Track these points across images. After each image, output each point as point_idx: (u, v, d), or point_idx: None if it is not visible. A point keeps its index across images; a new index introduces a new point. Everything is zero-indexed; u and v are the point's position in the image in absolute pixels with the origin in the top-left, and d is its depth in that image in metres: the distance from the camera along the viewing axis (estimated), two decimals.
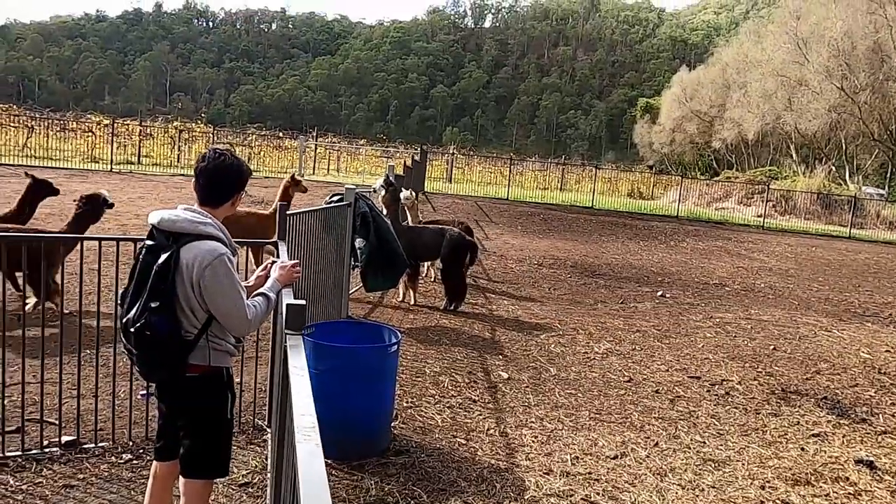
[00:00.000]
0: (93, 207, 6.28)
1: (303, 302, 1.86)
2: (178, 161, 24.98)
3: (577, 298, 10.03)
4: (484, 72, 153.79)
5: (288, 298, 2.37)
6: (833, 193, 27.28)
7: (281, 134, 29.95)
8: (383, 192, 8.24)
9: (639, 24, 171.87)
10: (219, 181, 2.65)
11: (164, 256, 2.47)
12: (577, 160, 60.30)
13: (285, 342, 1.85)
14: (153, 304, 2.44)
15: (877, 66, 31.29)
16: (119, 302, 2.66)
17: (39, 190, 6.84)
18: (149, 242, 2.58)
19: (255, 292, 2.70)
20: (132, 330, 2.46)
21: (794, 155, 46.62)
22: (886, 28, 29.82)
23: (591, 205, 22.52)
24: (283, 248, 3.48)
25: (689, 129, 53.75)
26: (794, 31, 34.36)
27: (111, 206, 6.55)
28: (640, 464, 4.41)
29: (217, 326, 2.59)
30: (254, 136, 27.66)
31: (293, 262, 2.93)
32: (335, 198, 7.25)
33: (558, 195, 26.75)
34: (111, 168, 19.99)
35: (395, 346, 4.33)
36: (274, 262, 3.00)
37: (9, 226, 6.07)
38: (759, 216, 24.03)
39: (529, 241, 15.57)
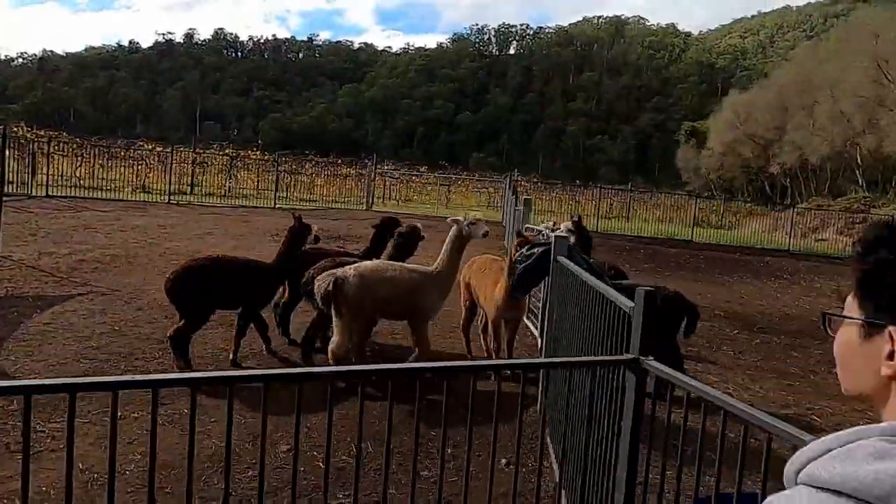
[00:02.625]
0: (409, 240, 6.61)
1: None
2: (229, 191, 23.37)
3: (775, 366, 8.01)
4: (509, 97, 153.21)
5: None
6: None
7: (340, 161, 28.19)
8: (572, 239, 6.31)
9: (664, 49, 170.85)
10: None
11: None
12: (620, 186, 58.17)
13: None
14: None
15: None
16: None
17: (389, 226, 7.03)
18: None
19: None
20: None
21: (859, 180, 44.18)
22: None
23: (689, 237, 20.43)
24: None
25: (744, 153, 51.53)
26: (874, 50, 32.20)
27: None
28: None
29: None
30: (311, 164, 25.96)
31: None
32: (535, 250, 5.33)
33: (624, 224, 24.64)
34: (168, 199, 18.39)
35: None
36: None
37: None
38: None
39: (651, 282, 13.49)
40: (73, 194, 18.10)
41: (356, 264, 5.72)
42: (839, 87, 36.50)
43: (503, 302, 5.73)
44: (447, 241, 5.77)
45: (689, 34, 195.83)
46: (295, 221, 6.35)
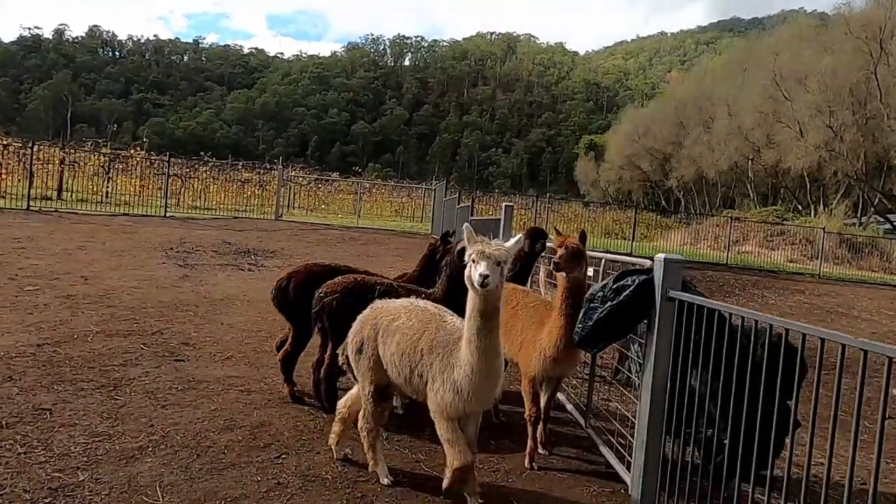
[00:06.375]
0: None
1: None
2: (106, 197, 19.95)
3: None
4: (405, 109, 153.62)
5: None
6: (856, 235, 25.48)
7: (241, 165, 25.03)
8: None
9: (554, 67, 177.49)
10: None
11: None
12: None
13: None
14: None
15: (859, 106, 30.38)
16: None
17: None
18: None
19: None
20: None
21: (751, 194, 46.08)
22: (871, 66, 28.96)
23: (629, 251, 19.40)
24: None
25: (643, 167, 52.71)
26: (772, 67, 33.23)
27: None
28: None
29: None
30: (206, 168, 22.73)
31: None
32: (627, 280, 3.44)
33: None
34: (27, 205, 15.04)
35: None
36: None
37: None
38: (790, 261, 21.74)
39: None
40: None
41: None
42: (738, 104, 37.62)
43: (555, 353, 3.72)
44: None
45: (576, 53, 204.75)
46: (435, 241, 5.67)
